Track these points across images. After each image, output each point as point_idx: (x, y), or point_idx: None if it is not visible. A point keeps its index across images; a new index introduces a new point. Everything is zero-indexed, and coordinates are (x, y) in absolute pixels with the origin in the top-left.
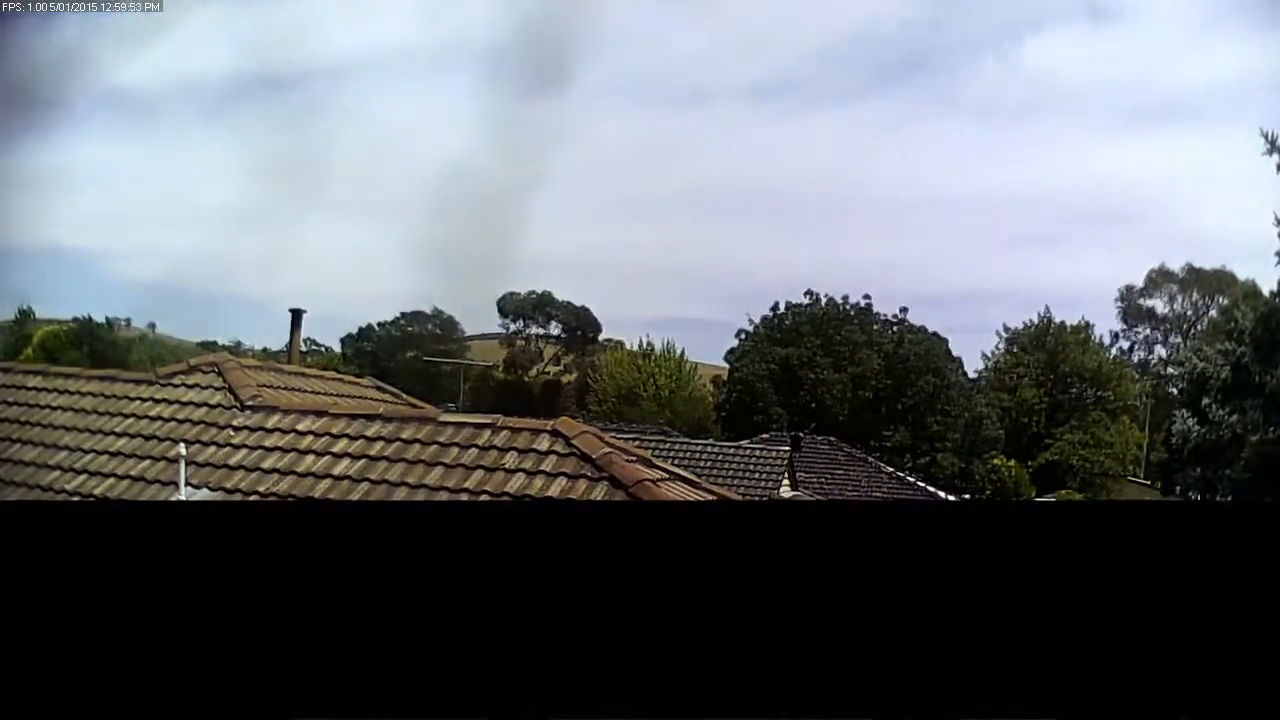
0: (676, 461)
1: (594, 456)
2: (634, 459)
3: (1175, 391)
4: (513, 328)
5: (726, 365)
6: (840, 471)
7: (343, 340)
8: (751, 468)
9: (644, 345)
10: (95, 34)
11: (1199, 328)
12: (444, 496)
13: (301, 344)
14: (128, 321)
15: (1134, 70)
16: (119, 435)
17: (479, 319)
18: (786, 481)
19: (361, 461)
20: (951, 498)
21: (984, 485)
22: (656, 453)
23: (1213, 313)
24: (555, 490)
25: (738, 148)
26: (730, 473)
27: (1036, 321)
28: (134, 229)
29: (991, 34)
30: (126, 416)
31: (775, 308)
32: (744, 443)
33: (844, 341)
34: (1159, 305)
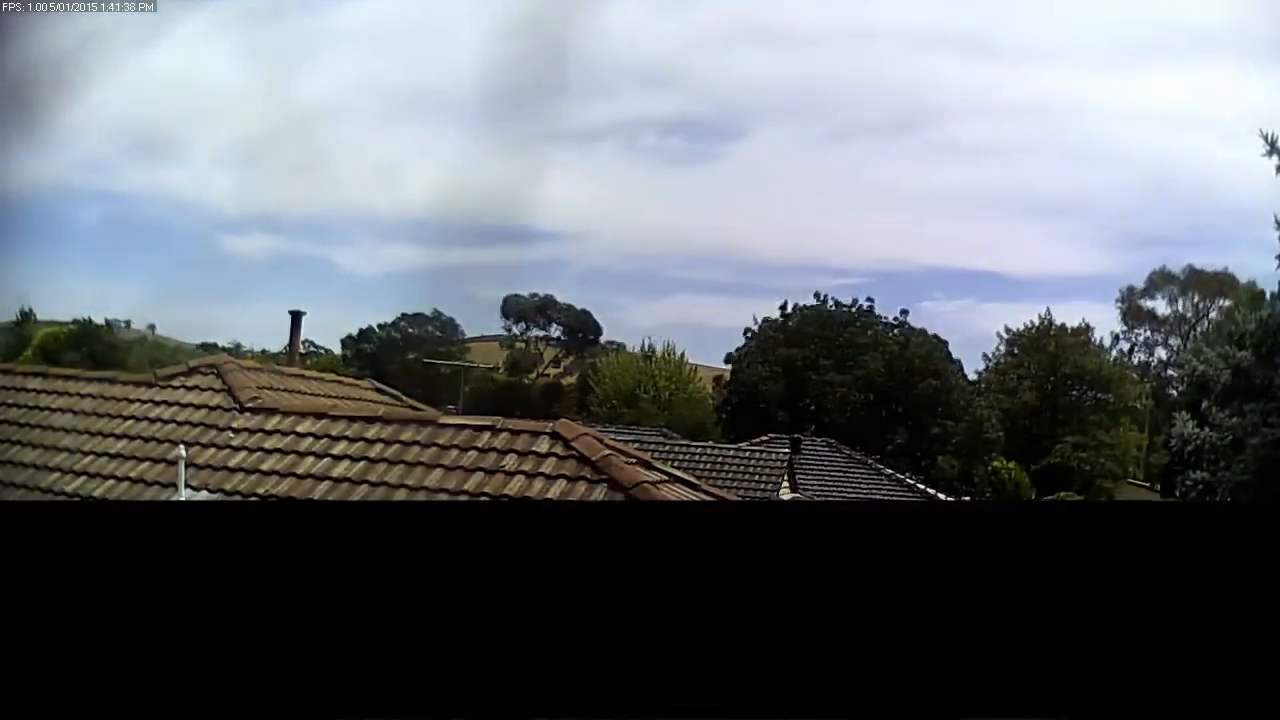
0: (676, 464)
1: (593, 459)
2: (633, 461)
3: (1175, 394)
4: (514, 330)
5: (727, 367)
6: (840, 474)
7: (343, 342)
8: (751, 470)
9: (645, 347)
10: (93, 37)
11: (1199, 330)
12: (444, 499)
13: (301, 346)
14: (127, 323)
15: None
16: (118, 437)
17: (480, 321)
18: (786, 484)
19: (361, 464)
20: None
21: (984, 487)
22: (656, 455)
23: (1213, 315)
24: (555, 492)
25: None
26: (730, 475)
27: (1037, 323)
28: (134, 229)
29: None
30: (126, 418)
31: (783, 307)
32: (743, 445)
33: (847, 343)
34: (1159, 307)
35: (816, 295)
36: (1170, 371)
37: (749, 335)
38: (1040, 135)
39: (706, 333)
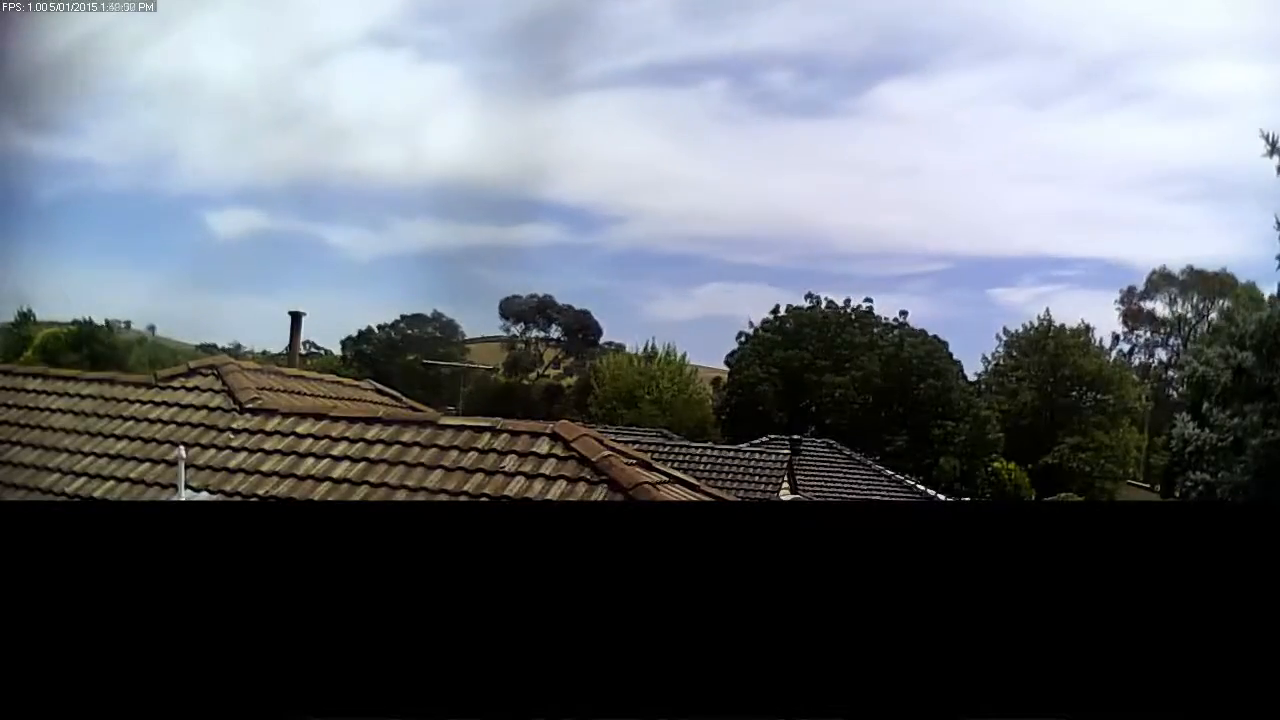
0: (676, 465)
1: (593, 459)
2: (633, 462)
3: (1175, 395)
4: (513, 331)
5: (726, 368)
6: (840, 475)
7: (343, 343)
8: (751, 471)
9: (646, 348)
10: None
11: (1200, 330)
12: (444, 500)
13: (301, 347)
14: (127, 324)
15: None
16: (118, 438)
17: (479, 322)
18: (786, 485)
19: (361, 464)
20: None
21: (984, 488)
22: (655, 456)
23: (1213, 316)
24: (555, 493)
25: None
26: (730, 476)
27: (1036, 324)
28: (135, 229)
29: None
30: (126, 419)
31: (775, 310)
32: (743, 446)
33: (844, 344)
34: (1160, 308)
35: (808, 296)
36: (1170, 373)
37: (743, 338)
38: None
39: (737, 327)
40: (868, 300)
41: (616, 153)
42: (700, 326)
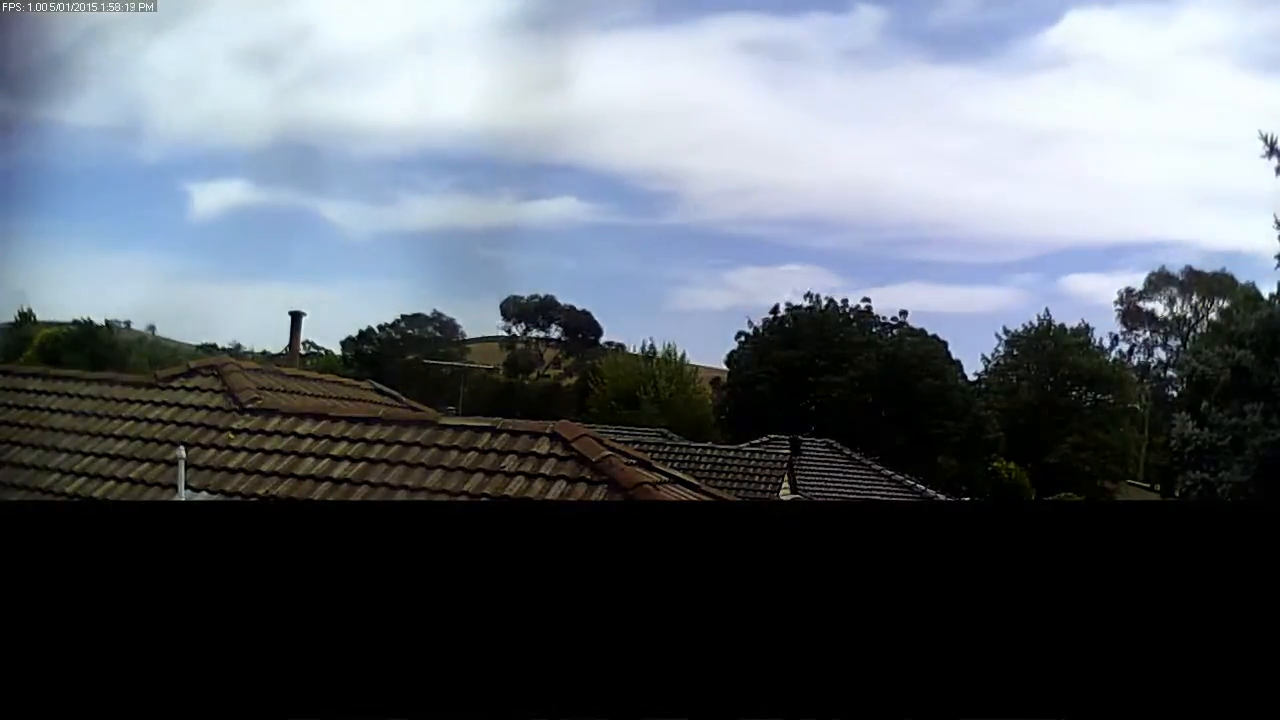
0: (676, 464)
1: (594, 460)
2: (633, 462)
3: (1175, 395)
4: (513, 331)
5: (726, 368)
6: (840, 475)
7: (342, 343)
8: (751, 471)
9: (645, 348)
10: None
11: (1199, 330)
12: (444, 499)
13: (301, 347)
14: (127, 324)
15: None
16: (118, 438)
17: (479, 322)
18: (786, 484)
19: (361, 464)
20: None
21: (984, 488)
22: (655, 456)
23: (1212, 315)
24: (555, 494)
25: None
26: (730, 476)
27: (1036, 324)
28: (134, 229)
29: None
30: (126, 419)
31: (775, 310)
32: (743, 446)
33: (843, 344)
34: (1159, 308)
35: (808, 296)
36: (1170, 372)
37: (742, 338)
38: None
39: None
40: (865, 300)
41: (673, 102)
42: (728, 318)
